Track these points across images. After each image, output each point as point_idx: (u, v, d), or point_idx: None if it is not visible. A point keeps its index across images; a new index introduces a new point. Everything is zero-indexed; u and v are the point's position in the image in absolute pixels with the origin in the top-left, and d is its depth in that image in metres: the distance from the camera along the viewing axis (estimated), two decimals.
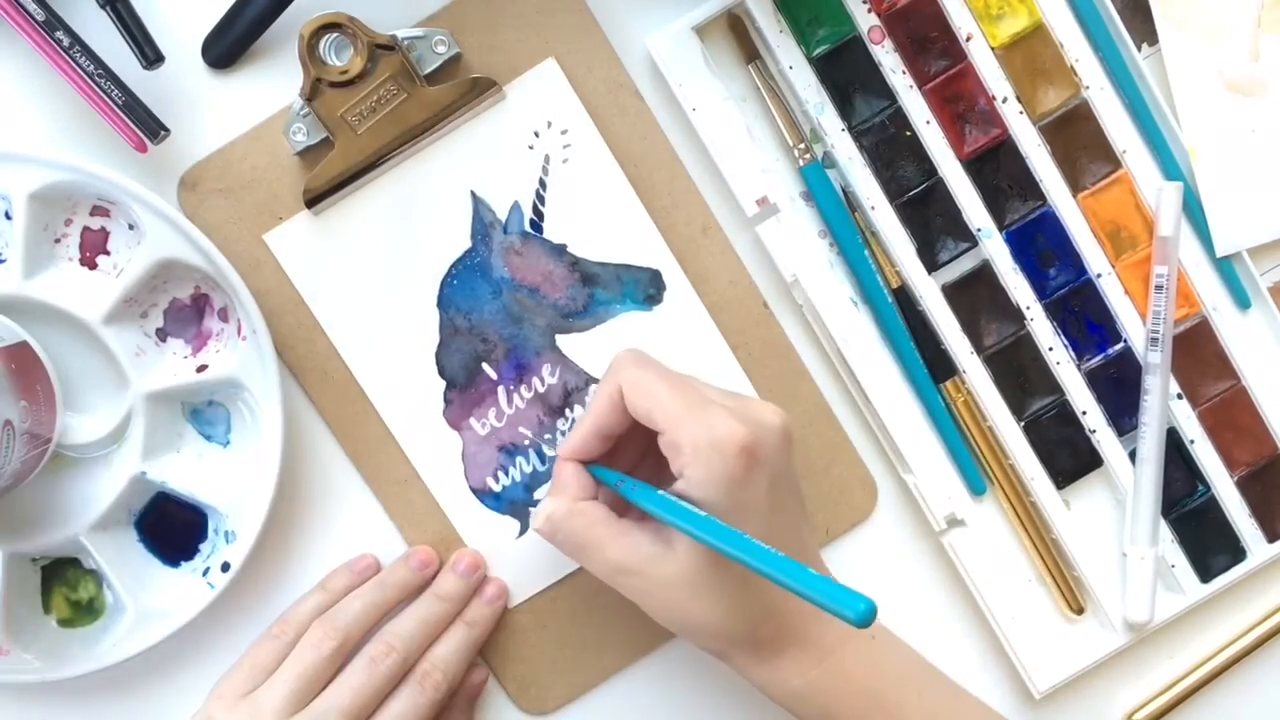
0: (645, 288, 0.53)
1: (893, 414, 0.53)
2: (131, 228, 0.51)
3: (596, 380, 0.53)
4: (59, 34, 0.48)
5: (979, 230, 0.53)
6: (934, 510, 0.54)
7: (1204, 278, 0.54)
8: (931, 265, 0.53)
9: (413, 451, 0.53)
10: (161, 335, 0.52)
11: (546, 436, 0.53)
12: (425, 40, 0.50)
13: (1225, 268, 0.54)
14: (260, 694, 0.49)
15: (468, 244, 0.52)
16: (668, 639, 0.55)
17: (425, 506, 0.54)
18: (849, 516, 0.55)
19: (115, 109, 0.49)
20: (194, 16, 0.51)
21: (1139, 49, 0.54)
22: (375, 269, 0.52)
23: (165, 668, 0.54)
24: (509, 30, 0.51)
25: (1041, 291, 0.54)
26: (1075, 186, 0.53)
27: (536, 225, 0.52)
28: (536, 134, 0.52)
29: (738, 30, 0.53)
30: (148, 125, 0.49)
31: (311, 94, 0.49)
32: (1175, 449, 0.54)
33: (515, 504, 0.54)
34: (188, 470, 0.52)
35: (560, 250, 0.53)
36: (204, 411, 0.53)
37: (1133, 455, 0.54)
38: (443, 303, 0.53)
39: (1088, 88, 0.53)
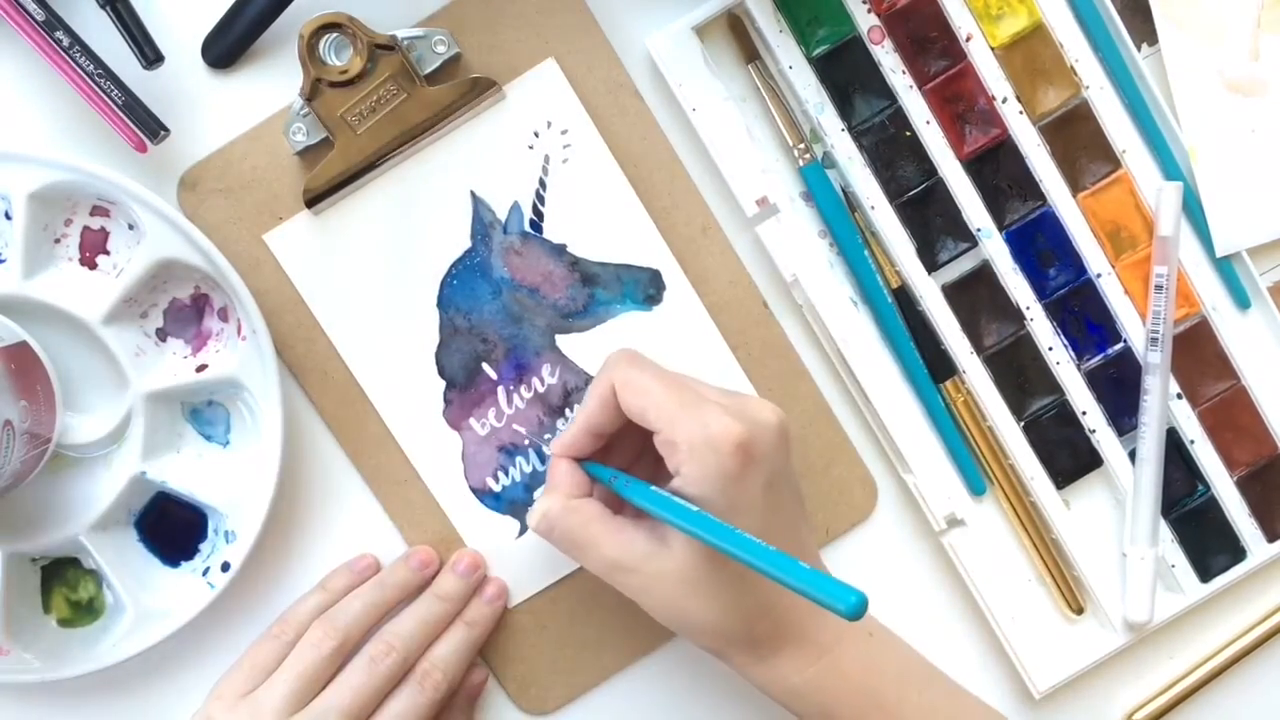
0: (645, 288, 0.53)
1: (893, 414, 0.53)
2: (131, 228, 0.51)
3: None
4: (59, 34, 0.48)
5: (979, 230, 0.53)
6: (934, 510, 0.54)
7: (1204, 278, 0.54)
8: (931, 265, 0.53)
9: (413, 451, 0.53)
10: (161, 335, 0.52)
11: (546, 436, 0.53)
12: (425, 40, 0.50)
13: (1225, 268, 0.54)
14: (260, 694, 0.49)
15: (468, 244, 0.52)
16: (667, 639, 0.55)
17: (425, 506, 0.54)
18: (849, 516, 0.55)
19: (115, 109, 0.49)
20: (194, 16, 0.51)
21: (1139, 49, 0.54)
22: (375, 269, 0.52)
23: (165, 668, 0.54)
24: (509, 30, 0.51)
25: (1041, 291, 0.54)
26: (1075, 186, 0.53)
27: (536, 225, 0.52)
28: (536, 134, 0.52)
29: (738, 30, 0.53)
30: (148, 125, 0.49)
31: (311, 94, 0.49)
32: (1175, 449, 0.54)
33: (515, 504, 0.54)
34: (188, 470, 0.52)
35: (560, 250, 0.53)
36: (204, 411, 0.53)
37: (1133, 455, 0.54)
38: (443, 303, 0.53)
39: (1088, 88, 0.53)
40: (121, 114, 0.49)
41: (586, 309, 0.53)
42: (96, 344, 0.50)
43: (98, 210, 0.51)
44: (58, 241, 0.51)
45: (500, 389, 0.53)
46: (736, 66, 0.53)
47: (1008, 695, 0.56)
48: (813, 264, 0.53)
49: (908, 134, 0.53)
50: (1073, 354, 0.54)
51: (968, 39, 0.52)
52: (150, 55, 0.49)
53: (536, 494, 0.54)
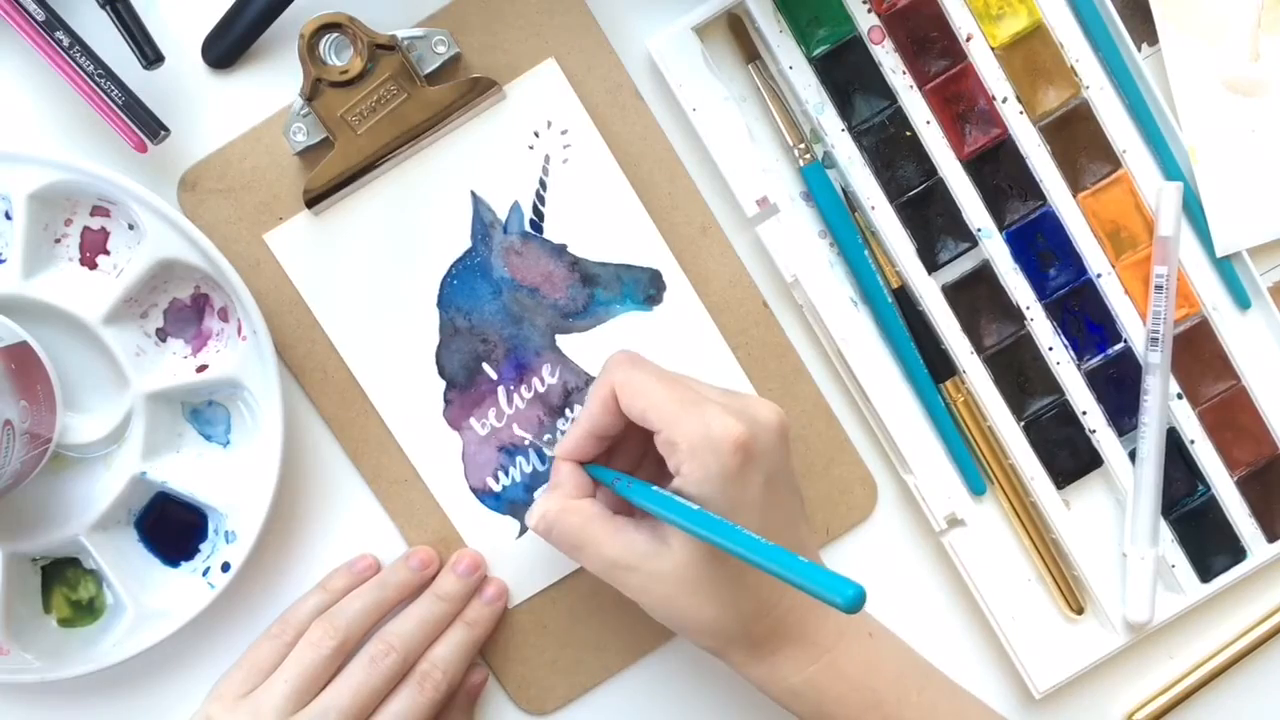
0: (645, 288, 0.53)
1: (893, 414, 0.53)
2: (131, 228, 0.51)
3: None
4: (59, 34, 0.48)
5: (979, 230, 0.53)
6: (934, 510, 0.54)
7: (1204, 278, 0.54)
8: (931, 265, 0.53)
9: (413, 451, 0.53)
10: (161, 335, 0.52)
11: (546, 437, 0.53)
12: (425, 40, 0.50)
13: (1225, 268, 0.54)
14: (260, 694, 0.49)
15: (468, 244, 0.52)
16: (667, 639, 0.55)
17: (425, 506, 0.54)
18: (849, 516, 0.55)
19: (115, 109, 0.49)
20: (194, 16, 0.51)
21: (1139, 49, 0.54)
22: (375, 269, 0.52)
23: (165, 668, 0.54)
24: (509, 30, 0.51)
25: (1041, 291, 0.54)
26: (1075, 186, 0.53)
27: (536, 225, 0.52)
28: (536, 134, 0.52)
29: (738, 30, 0.53)
30: (148, 125, 0.49)
31: (311, 94, 0.49)
32: (1175, 449, 0.54)
33: (515, 504, 0.54)
34: (188, 470, 0.52)
35: (560, 250, 0.53)
36: (204, 411, 0.53)
37: (1133, 455, 0.54)
38: (443, 303, 0.53)
39: (1088, 88, 0.53)
40: (121, 114, 0.49)
41: (586, 309, 0.53)
42: (96, 344, 0.50)
43: (98, 210, 0.51)
44: (58, 241, 0.51)
45: (500, 389, 0.53)
46: (736, 66, 0.53)
47: (1008, 695, 0.56)
48: (813, 264, 0.53)
49: (908, 134, 0.53)
50: (1073, 354, 0.54)
51: (968, 39, 0.52)
52: (150, 55, 0.49)
53: (537, 494, 0.54)
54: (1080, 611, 0.55)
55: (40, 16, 0.48)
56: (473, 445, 0.53)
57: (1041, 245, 0.54)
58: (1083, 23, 0.53)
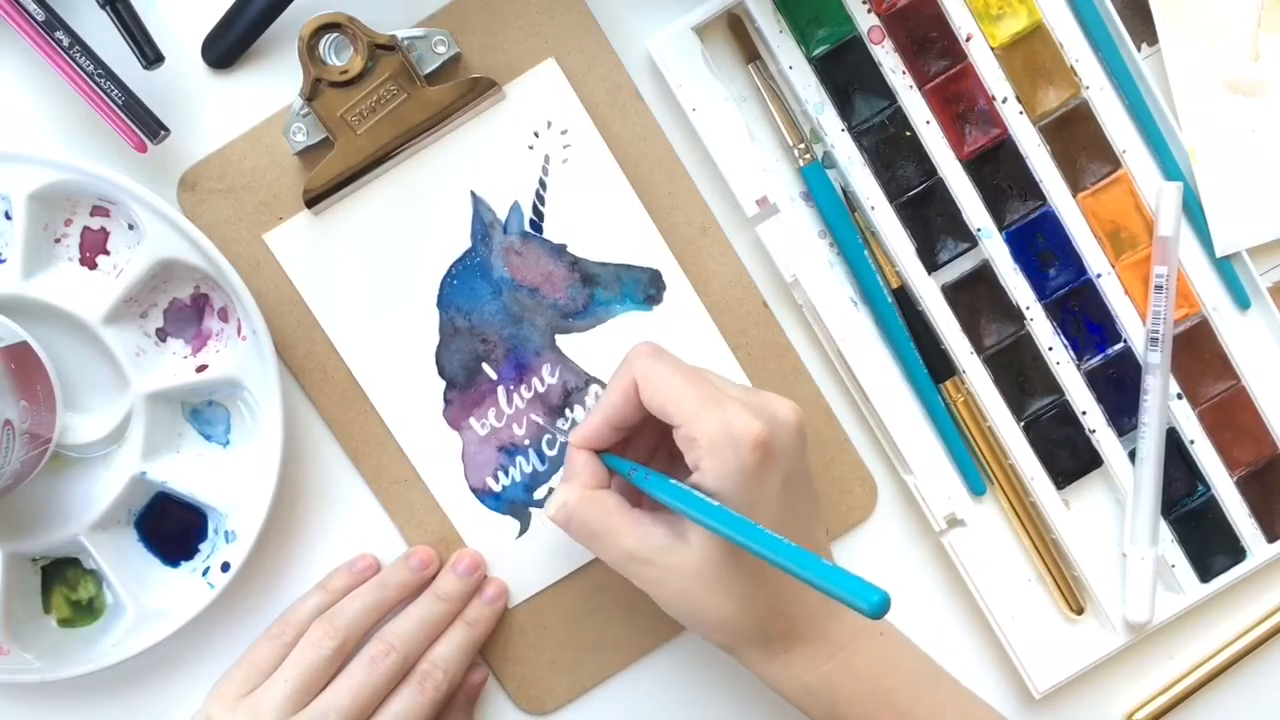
0: (645, 288, 0.53)
1: (893, 414, 0.53)
2: (131, 228, 0.51)
3: (596, 380, 0.53)
4: (59, 34, 0.48)
5: (979, 230, 0.53)
6: (934, 510, 0.54)
7: (1204, 278, 0.54)
8: (931, 265, 0.53)
9: (413, 451, 0.53)
10: (161, 335, 0.52)
11: (546, 437, 0.53)
12: (425, 40, 0.50)
13: (1225, 268, 0.54)
14: (260, 694, 0.49)
15: (468, 244, 0.52)
16: (667, 639, 0.55)
17: (425, 506, 0.54)
18: (849, 516, 0.55)
19: (115, 109, 0.49)
20: (194, 16, 0.51)
21: (1139, 49, 0.54)
22: (375, 269, 0.52)
23: (165, 668, 0.54)
24: (509, 30, 0.51)
25: (1041, 291, 0.54)
26: (1075, 186, 0.53)
27: (536, 225, 0.52)
28: (536, 134, 0.52)
29: (738, 30, 0.53)
30: (148, 125, 0.49)
31: (311, 94, 0.49)
32: (1175, 449, 0.54)
33: (515, 504, 0.54)
34: (188, 470, 0.52)
35: (560, 250, 0.53)
36: (204, 411, 0.53)
37: (1133, 455, 0.54)
38: (443, 303, 0.53)
39: (1088, 88, 0.53)
40: (121, 114, 0.49)
41: (586, 309, 0.53)
42: (96, 344, 0.50)
43: (98, 210, 0.51)
44: (58, 241, 0.51)
45: (500, 389, 0.53)
46: (736, 66, 0.53)
47: (1008, 695, 0.56)
48: (813, 264, 0.53)
49: (908, 134, 0.53)
50: (1073, 354, 0.54)
51: (968, 39, 0.52)
52: (150, 55, 0.49)
53: (537, 494, 0.54)
54: (1080, 611, 0.55)
55: (40, 16, 0.48)
56: (473, 445, 0.53)
57: (1041, 245, 0.54)
58: (1083, 23, 0.53)
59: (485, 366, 0.53)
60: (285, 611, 0.52)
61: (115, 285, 0.50)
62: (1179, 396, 0.54)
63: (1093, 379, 0.54)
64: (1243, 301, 0.54)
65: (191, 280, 0.52)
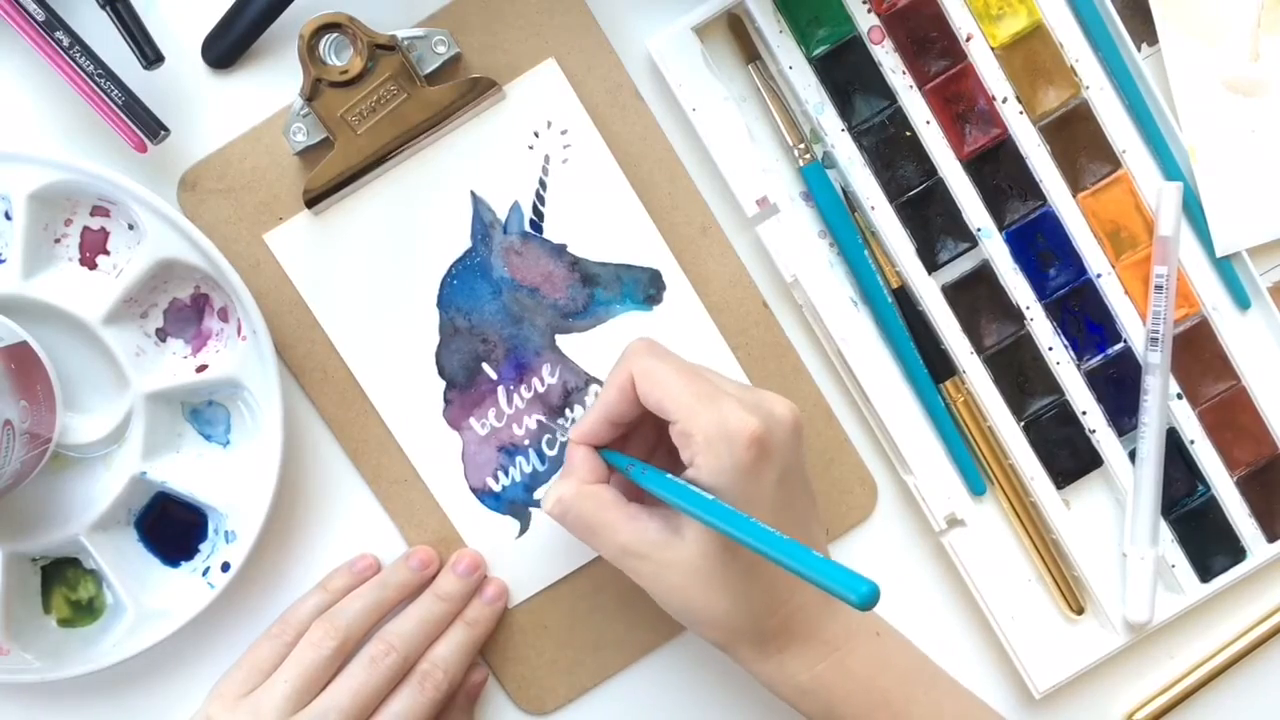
0: (645, 288, 0.53)
1: (893, 414, 0.53)
2: (131, 228, 0.51)
3: (596, 380, 0.53)
4: (59, 34, 0.48)
5: (979, 230, 0.53)
6: (934, 510, 0.54)
7: (1204, 278, 0.54)
8: (931, 265, 0.53)
9: (413, 451, 0.53)
10: (161, 335, 0.52)
11: (546, 436, 0.53)
12: (425, 40, 0.50)
13: (1225, 268, 0.54)
14: (260, 694, 0.49)
15: (468, 244, 0.52)
16: (667, 639, 0.55)
17: (425, 506, 0.54)
18: (849, 516, 0.55)
19: (115, 109, 0.49)
20: (194, 16, 0.51)
21: (1139, 49, 0.54)
22: (375, 269, 0.52)
23: (165, 668, 0.54)
24: (509, 30, 0.51)
25: (1041, 291, 0.54)
26: (1075, 186, 0.53)
27: (536, 225, 0.52)
28: (536, 134, 0.52)
29: (738, 30, 0.53)
30: (148, 125, 0.49)
31: (311, 94, 0.49)
32: (1175, 449, 0.54)
33: (515, 504, 0.54)
34: (188, 470, 0.52)
35: (560, 250, 0.53)
36: (204, 411, 0.53)
37: (1133, 455, 0.54)
38: (443, 303, 0.53)
39: (1088, 88, 0.53)
40: (121, 114, 0.49)
41: (586, 309, 0.53)
42: (96, 344, 0.50)
43: (98, 210, 0.51)
44: (58, 241, 0.51)
45: (500, 389, 0.53)
46: (736, 66, 0.53)
47: (1008, 695, 0.56)
48: (813, 264, 0.53)
49: (908, 134, 0.53)
50: (1073, 354, 0.54)
51: (968, 39, 0.52)
52: (150, 55, 0.49)
53: (537, 494, 0.54)
54: (1080, 611, 0.55)
55: (40, 16, 0.48)
56: (473, 445, 0.53)
57: (1041, 245, 0.54)
58: (1083, 23, 0.53)
59: (485, 366, 0.53)
60: (285, 611, 0.52)
61: (115, 285, 0.50)
62: (1179, 396, 0.54)
63: (1093, 379, 0.54)
64: (1243, 301, 0.54)
65: (191, 280, 0.52)
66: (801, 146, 0.53)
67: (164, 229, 0.49)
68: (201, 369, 0.51)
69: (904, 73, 0.52)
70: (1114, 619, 0.54)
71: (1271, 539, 0.55)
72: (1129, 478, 0.54)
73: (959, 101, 0.53)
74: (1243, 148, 0.53)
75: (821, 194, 0.53)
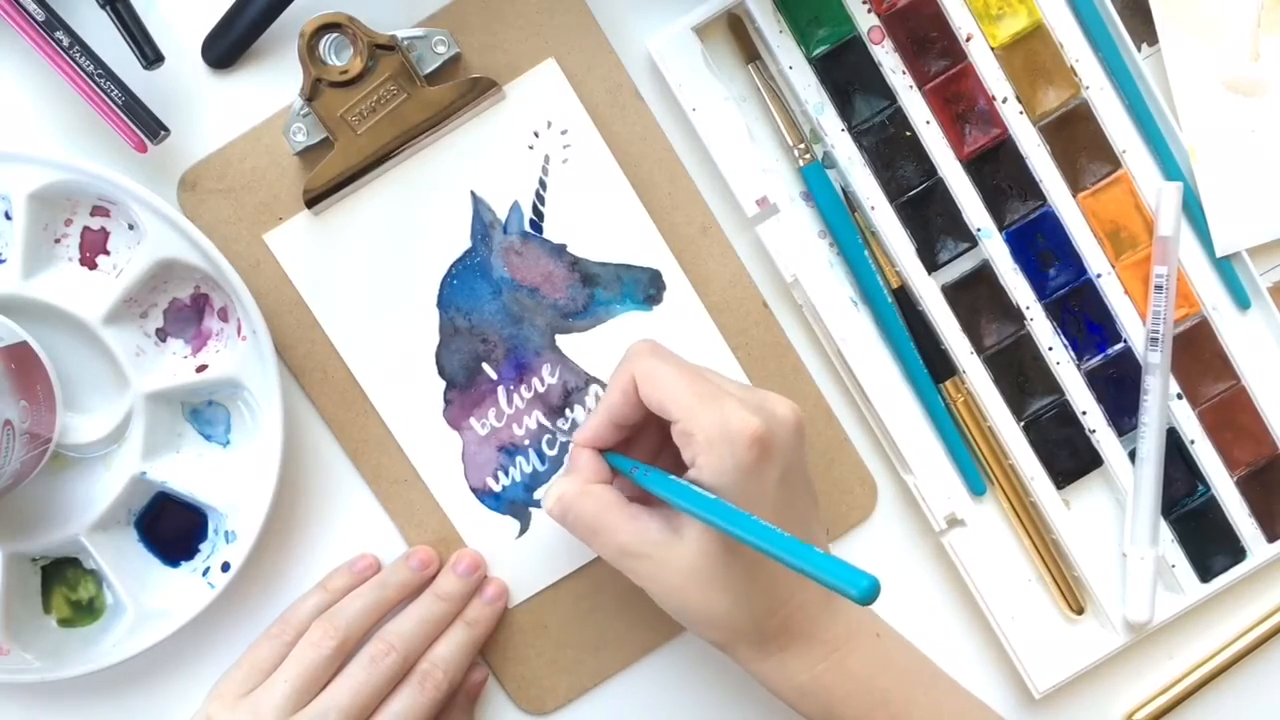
0: (645, 288, 0.53)
1: (893, 414, 0.53)
2: (131, 228, 0.51)
3: (596, 380, 0.53)
4: (59, 34, 0.48)
5: (979, 230, 0.53)
6: (934, 510, 0.54)
7: (1204, 278, 0.54)
8: (931, 265, 0.53)
9: (413, 451, 0.53)
10: (161, 335, 0.52)
11: (546, 437, 0.53)
12: (425, 40, 0.50)
13: (1225, 268, 0.54)
14: (260, 693, 0.49)
15: (468, 244, 0.52)
16: (667, 639, 0.55)
17: (425, 506, 0.53)
18: (849, 516, 0.55)
19: (115, 109, 0.49)
20: (194, 16, 0.51)
21: (1139, 49, 0.54)
22: (375, 269, 0.52)
23: (165, 668, 0.54)
24: (509, 30, 0.51)
25: (1041, 291, 0.54)
26: (1075, 186, 0.53)
27: (536, 225, 0.52)
28: (536, 134, 0.52)
29: (738, 30, 0.53)
30: (148, 125, 0.49)
31: (311, 94, 0.49)
32: (1175, 449, 0.54)
33: (515, 504, 0.54)
34: (188, 470, 0.52)
35: (560, 250, 0.53)
36: (204, 411, 0.53)
37: (1133, 455, 0.54)
38: (443, 303, 0.53)
39: (1088, 88, 0.53)
40: (121, 114, 0.49)
41: (586, 309, 0.53)
42: (96, 344, 0.50)
43: (98, 210, 0.51)
44: (58, 241, 0.51)
45: (500, 389, 0.53)
46: (736, 66, 0.53)
47: (1008, 695, 0.56)
48: (813, 264, 0.53)
49: (908, 134, 0.53)
50: (1073, 354, 0.54)
51: (968, 39, 0.52)
52: (150, 55, 0.49)
53: (537, 494, 0.54)
54: (1080, 611, 0.55)
55: (40, 16, 0.48)
56: (473, 445, 0.53)
57: (1041, 245, 0.54)
58: (1083, 23, 0.53)
59: (485, 366, 0.53)
60: (285, 611, 0.52)
61: (115, 285, 0.50)
62: (1179, 396, 0.54)
63: (1093, 379, 0.54)
64: (1243, 301, 0.54)
65: (191, 280, 0.52)
66: (801, 146, 0.53)
67: (164, 229, 0.49)
68: (201, 369, 0.51)
69: (904, 73, 0.52)
70: (1114, 619, 0.54)
71: (1271, 539, 0.55)
72: (1129, 478, 0.54)
73: (959, 101, 0.53)
74: (1243, 148, 0.53)
75: (821, 194, 0.53)
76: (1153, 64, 0.54)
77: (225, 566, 0.52)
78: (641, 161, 0.53)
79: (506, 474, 0.54)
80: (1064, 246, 0.54)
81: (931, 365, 0.54)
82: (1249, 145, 0.53)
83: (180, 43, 0.51)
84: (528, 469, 0.54)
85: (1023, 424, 0.54)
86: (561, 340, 0.53)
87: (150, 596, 0.52)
